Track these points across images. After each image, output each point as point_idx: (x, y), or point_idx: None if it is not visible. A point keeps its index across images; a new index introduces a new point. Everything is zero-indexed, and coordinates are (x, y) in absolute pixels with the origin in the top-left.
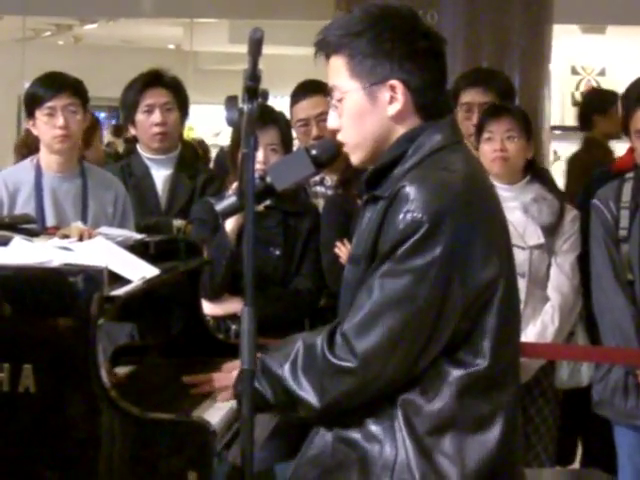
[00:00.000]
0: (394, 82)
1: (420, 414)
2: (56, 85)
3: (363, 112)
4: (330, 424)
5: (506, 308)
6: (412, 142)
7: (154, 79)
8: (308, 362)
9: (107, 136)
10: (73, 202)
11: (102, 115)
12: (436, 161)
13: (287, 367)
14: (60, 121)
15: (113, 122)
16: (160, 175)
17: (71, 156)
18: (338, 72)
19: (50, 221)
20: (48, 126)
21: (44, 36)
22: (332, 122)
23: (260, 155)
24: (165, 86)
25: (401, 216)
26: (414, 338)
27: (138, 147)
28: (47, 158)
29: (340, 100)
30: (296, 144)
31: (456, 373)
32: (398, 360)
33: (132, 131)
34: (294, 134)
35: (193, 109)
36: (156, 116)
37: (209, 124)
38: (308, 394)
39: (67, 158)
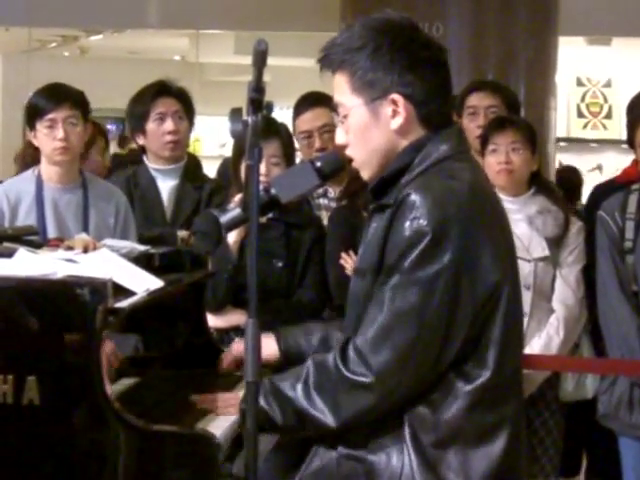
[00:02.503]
0: (395, 96)
1: (426, 426)
2: (57, 97)
3: (367, 128)
4: (336, 437)
5: (510, 317)
6: (418, 152)
7: (163, 89)
8: (321, 379)
9: (113, 147)
10: (74, 213)
11: (107, 126)
12: (442, 169)
13: (299, 387)
14: (60, 133)
15: (119, 133)
16: (166, 186)
17: (72, 167)
18: (341, 88)
19: (51, 232)
20: (48, 138)
21: (50, 47)
22: (340, 138)
23: (262, 167)
24: (174, 96)
25: (407, 224)
26: (427, 349)
27: (144, 158)
28: (48, 169)
29: (345, 116)
30: (299, 156)
31: (462, 386)
32: (413, 372)
33: (140, 141)
34: (297, 145)
35: (199, 120)
36: (169, 124)
37: (215, 135)
38: (323, 414)
39: (68, 169)
